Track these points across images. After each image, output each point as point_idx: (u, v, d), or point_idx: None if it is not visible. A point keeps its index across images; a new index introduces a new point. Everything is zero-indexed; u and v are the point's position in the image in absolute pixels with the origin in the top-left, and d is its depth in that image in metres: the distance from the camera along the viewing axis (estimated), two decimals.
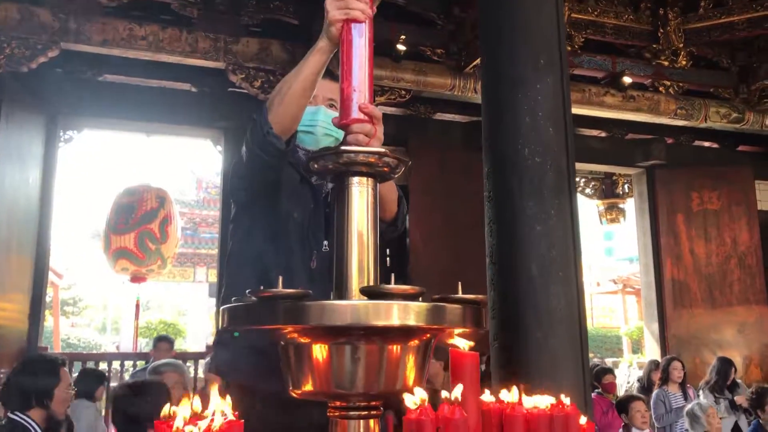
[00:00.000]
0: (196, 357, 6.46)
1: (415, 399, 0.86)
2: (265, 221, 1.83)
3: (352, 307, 0.99)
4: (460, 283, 1.14)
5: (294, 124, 1.70)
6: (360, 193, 1.15)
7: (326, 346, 1.05)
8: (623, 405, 4.13)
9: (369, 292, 1.01)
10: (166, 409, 0.96)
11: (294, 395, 1.12)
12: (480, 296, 1.11)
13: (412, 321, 0.99)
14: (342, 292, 1.13)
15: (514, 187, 2.36)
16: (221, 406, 0.92)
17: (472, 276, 1.97)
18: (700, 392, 5.64)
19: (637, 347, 16.20)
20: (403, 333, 1.05)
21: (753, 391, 4.35)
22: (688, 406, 4.46)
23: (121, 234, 6.55)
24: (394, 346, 1.06)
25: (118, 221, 6.65)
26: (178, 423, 0.89)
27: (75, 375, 6.46)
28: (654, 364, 6.26)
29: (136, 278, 6.88)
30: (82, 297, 21.23)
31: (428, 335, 1.10)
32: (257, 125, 1.69)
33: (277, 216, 1.83)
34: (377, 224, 1.18)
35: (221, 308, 1.09)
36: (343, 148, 1.14)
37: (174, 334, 15.27)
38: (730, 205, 7.23)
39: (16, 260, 5.23)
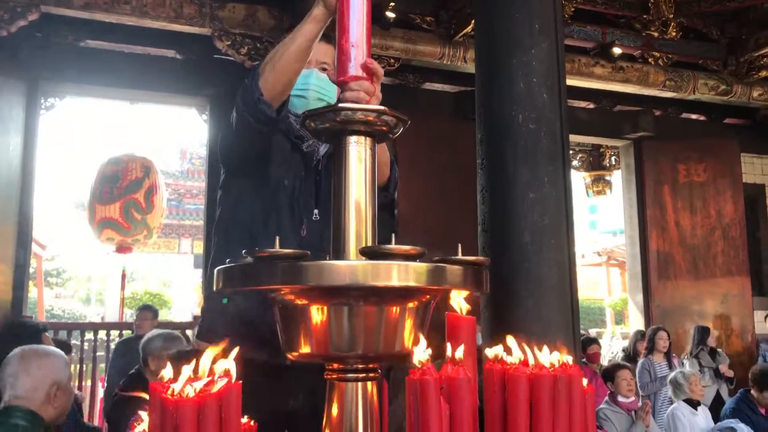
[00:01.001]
0: (182, 327, 6.43)
1: (419, 358, 0.84)
2: (255, 189, 1.80)
3: (352, 267, 0.97)
4: (460, 245, 1.12)
5: (286, 91, 1.67)
6: (357, 153, 1.12)
7: (324, 308, 1.02)
8: (610, 373, 4.17)
9: (369, 252, 0.99)
10: (163, 373, 0.94)
11: (290, 358, 1.10)
12: (481, 258, 1.09)
13: (412, 282, 0.97)
14: (339, 253, 1.10)
15: (508, 154, 2.34)
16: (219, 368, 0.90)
17: (466, 246, 1.95)
18: (685, 361, 5.73)
19: (620, 318, 16.42)
20: (403, 294, 1.03)
21: (759, 370, 4.37)
22: (672, 374, 4.53)
23: (106, 204, 6.47)
24: (394, 308, 1.04)
25: (103, 191, 6.56)
26: (175, 385, 0.87)
27: None
28: (639, 334, 6.35)
29: (122, 248, 6.82)
30: (66, 268, 21.08)
31: (428, 297, 1.09)
32: (248, 90, 1.65)
33: (266, 184, 1.80)
34: (375, 185, 1.15)
35: (215, 270, 1.06)
36: (340, 105, 1.10)
37: (159, 304, 15.24)
38: (715, 178, 7.27)
39: None
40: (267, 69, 1.62)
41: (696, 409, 4.13)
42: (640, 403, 4.11)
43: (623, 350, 6.87)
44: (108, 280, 18.12)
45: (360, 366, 1.08)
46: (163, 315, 15.96)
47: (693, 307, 7.03)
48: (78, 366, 5.77)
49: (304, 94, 1.84)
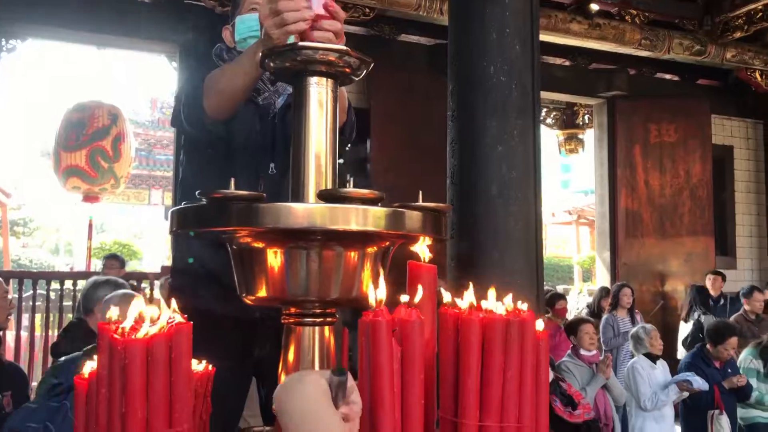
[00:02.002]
0: (150, 278, 6.39)
1: (373, 299, 0.83)
2: (210, 147, 1.77)
3: (309, 210, 0.95)
4: (420, 191, 1.11)
5: (232, 112, 1.63)
6: (318, 95, 1.09)
7: (281, 251, 1.01)
8: (573, 327, 4.26)
9: (326, 196, 0.97)
10: (111, 314, 0.92)
11: (248, 302, 1.09)
12: (441, 204, 1.08)
13: (370, 226, 0.96)
14: (298, 197, 1.08)
15: (478, 106, 2.32)
16: (168, 309, 0.88)
17: (435, 202, 1.93)
18: (704, 318, 5.88)
19: (587, 276, 16.73)
20: (362, 239, 1.02)
21: (713, 326, 4.52)
22: (633, 329, 4.64)
23: (72, 151, 6.32)
24: (352, 252, 1.03)
25: (69, 138, 6.39)
26: (124, 325, 0.86)
27: (27, 294, 6.36)
28: (604, 291, 6.47)
29: (89, 197, 6.69)
30: (33, 218, 20.71)
31: (387, 243, 1.08)
32: (192, 108, 1.63)
33: (222, 141, 1.76)
34: (336, 128, 1.12)
35: (170, 210, 1.04)
36: (301, 44, 1.07)
37: (129, 255, 15.12)
38: (686, 139, 7.34)
39: None
40: (211, 94, 1.59)
41: (655, 363, 4.25)
42: (602, 357, 4.21)
43: (587, 306, 7.01)
44: (77, 231, 17.89)
45: (317, 311, 1.07)
46: (134, 266, 15.86)
47: (658, 266, 7.18)
48: (44, 316, 5.72)
49: (258, 35, 1.80)
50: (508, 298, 0.89)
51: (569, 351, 4.21)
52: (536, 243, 2.33)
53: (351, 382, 0.85)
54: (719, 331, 4.39)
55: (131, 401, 0.80)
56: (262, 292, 1.05)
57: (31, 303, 5.82)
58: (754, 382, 4.41)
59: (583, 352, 4.12)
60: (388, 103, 6.00)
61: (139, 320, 0.86)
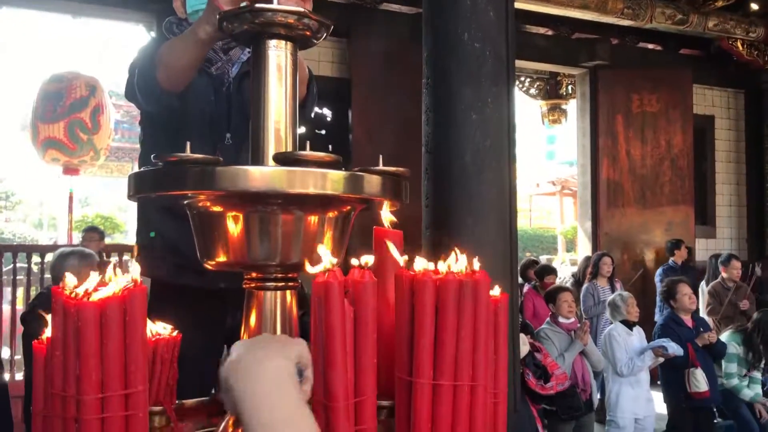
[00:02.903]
0: (131, 250, 6.36)
1: (322, 263, 0.84)
2: (166, 121, 1.76)
3: (266, 173, 0.94)
4: (381, 156, 1.11)
5: (185, 84, 1.61)
6: (277, 58, 1.08)
7: (240, 215, 1.01)
8: (552, 295, 4.31)
9: (282, 159, 0.96)
10: (69, 279, 0.92)
11: (209, 267, 1.09)
12: (401, 169, 1.08)
13: (329, 190, 0.95)
14: (258, 162, 1.08)
15: (453, 73, 2.31)
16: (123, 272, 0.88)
17: (416, 172, 1.92)
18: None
19: (570, 246, 16.87)
20: (321, 202, 1.02)
21: (664, 284, 4.63)
22: (610, 297, 4.70)
23: (50, 123, 6.23)
24: (312, 216, 1.03)
25: (46, 109, 6.30)
26: (77, 289, 0.86)
27: (8, 267, 6.32)
28: (589, 261, 6.50)
29: (69, 170, 6.63)
30: (14, 192, 20.47)
31: (348, 207, 1.08)
32: (146, 80, 1.61)
33: (176, 113, 1.74)
34: (296, 91, 1.11)
35: (128, 175, 1.03)
36: (258, 5, 1.05)
37: (111, 228, 15.04)
38: (667, 108, 7.35)
39: None
40: (162, 66, 1.57)
41: (631, 330, 4.32)
42: (579, 324, 4.27)
43: (572, 275, 7.06)
44: (60, 205, 17.69)
45: (279, 275, 1.07)
46: (118, 239, 15.79)
47: (639, 235, 7.25)
48: (25, 289, 5.69)
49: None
50: (463, 259, 0.90)
51: (548, 318, 4.26)
52: (510, 210, 2.34)
53: (307, 355, 0.85)
54: (668, 288, 4.53)
55: (85, 363, 0.81)
56: (223, 257, 1.05)
57: (12, 277, 5.78)
58: (734, 366, 4.53)
59: (561, 319, 4.17)
60: (369, 73, 5.95)
61: (95, 284, 0.86)
